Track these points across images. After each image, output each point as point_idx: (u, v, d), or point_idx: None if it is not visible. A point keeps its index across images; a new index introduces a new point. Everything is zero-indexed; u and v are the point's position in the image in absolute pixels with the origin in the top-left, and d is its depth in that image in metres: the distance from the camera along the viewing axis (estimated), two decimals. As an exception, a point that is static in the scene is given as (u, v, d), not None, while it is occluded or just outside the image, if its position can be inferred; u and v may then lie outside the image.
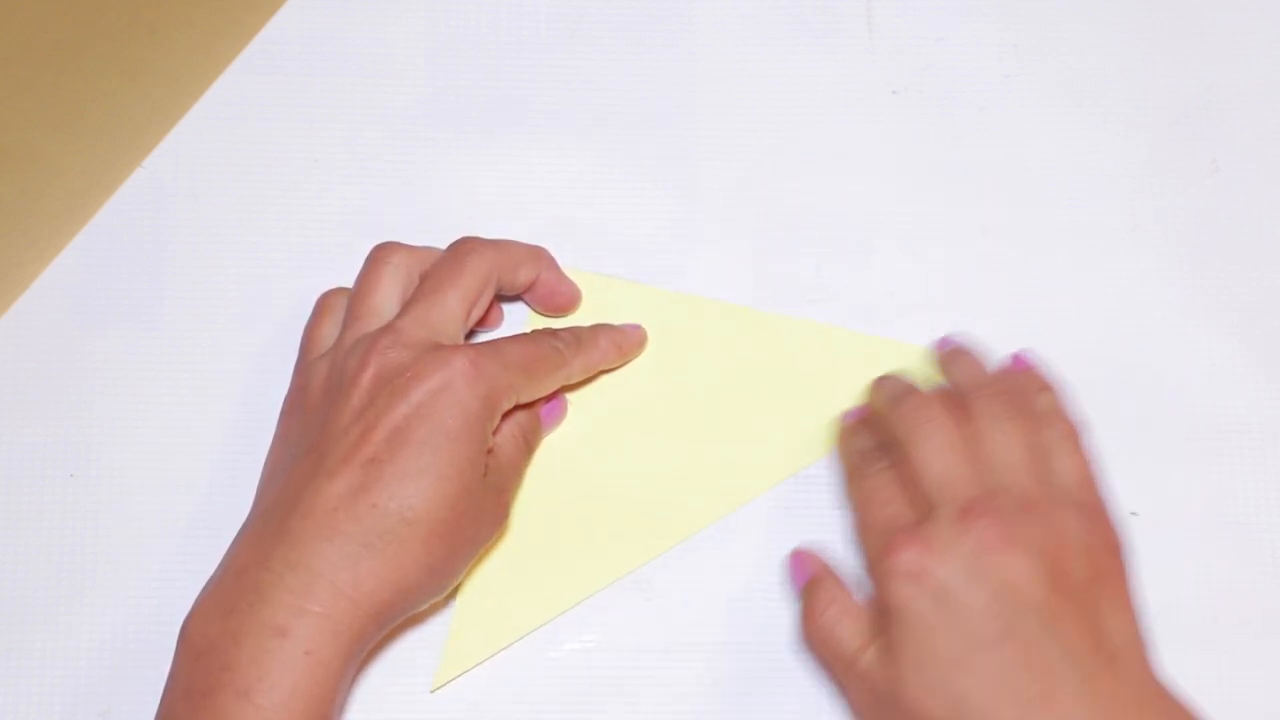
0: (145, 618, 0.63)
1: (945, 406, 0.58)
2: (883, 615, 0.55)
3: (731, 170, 0.68)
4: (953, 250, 0.67)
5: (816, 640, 0.58)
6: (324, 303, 0.63)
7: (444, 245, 0.67)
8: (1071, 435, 0.59)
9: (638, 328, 0.65)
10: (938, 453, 0.56)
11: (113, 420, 0.64)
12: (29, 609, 0.63)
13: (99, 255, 0.66)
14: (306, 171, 0.67)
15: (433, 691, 0.62)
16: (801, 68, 0.69)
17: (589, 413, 0.64)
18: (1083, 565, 0.55)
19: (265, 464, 0.59)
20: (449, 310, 0.58)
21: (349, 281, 0.65)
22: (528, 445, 0.61)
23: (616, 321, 0.65)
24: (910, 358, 0.64)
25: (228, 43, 0.68)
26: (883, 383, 0.61)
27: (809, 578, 0.60)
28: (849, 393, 0.63)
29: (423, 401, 0.55)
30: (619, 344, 0.64)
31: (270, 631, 0.53)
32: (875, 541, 0.56)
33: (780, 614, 0.63)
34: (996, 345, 0.65)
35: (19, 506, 0.64)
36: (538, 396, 0.60)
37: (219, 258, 0.66)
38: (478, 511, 0.57)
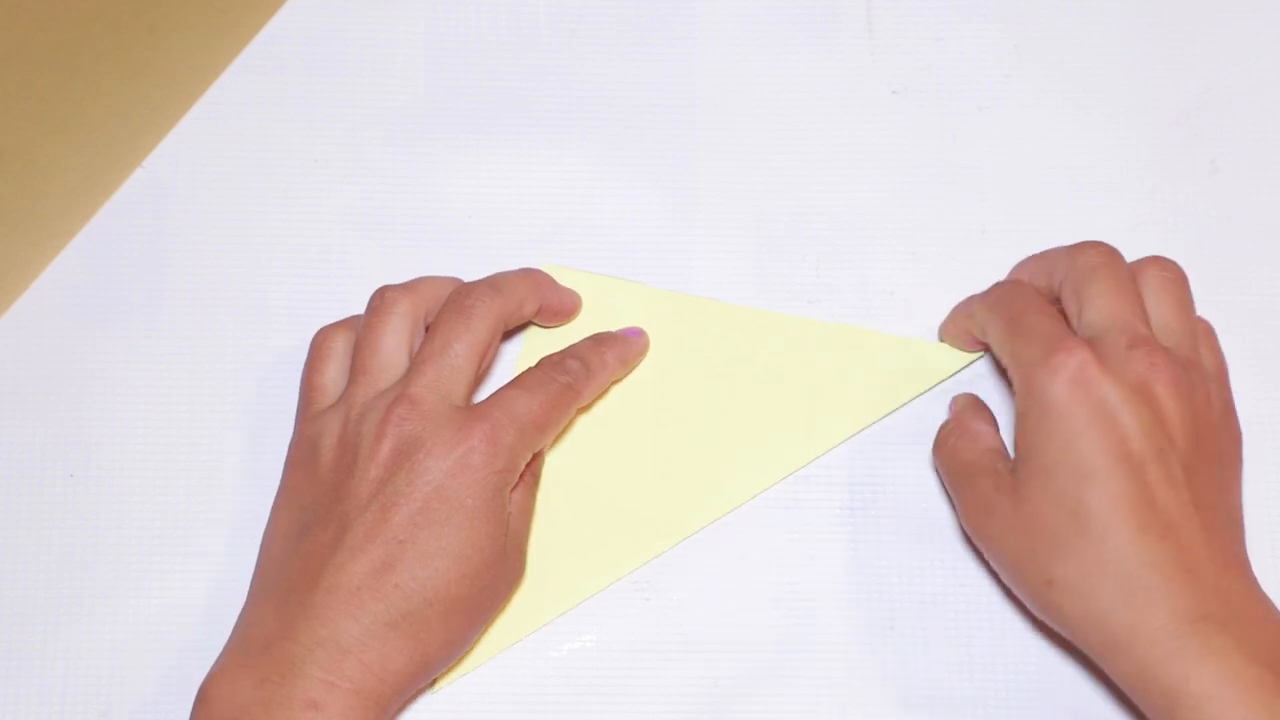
0: (145, 618, 0.63)
1: (1123, 264, 0.59)
2: (1027, 415, 0.56)
3: (731, 170, 0.68)
4: (953, 250, 0.67)
5: (938, 455, 0.62)
6: (323, 346, 0.61)
7: (443, 244, 0.67)
8: (1214, 338, 0.62)
9: (640, 333, 0.64)
10: (1114, 292, 0.58)
11: (113, 420, 0.64)
12: (29, 609, 0.63)
13: (99, 255, 0.66)
14: (306, 171, 0.67)
15: (434, 690, 0.62)
16: (801, 68, 0.69)
17: (589, 414, 0.64)
18: (1222, 439, 0.58)
19: (273, 515, 0.59)
20: (460, 371, 0.58)
21: (350, 281, 0.66)
22: (537, 482, 0.61)
23: (616, 323, 0.64)
24: (911, 354, 0.64)
25: (228, 43, 0.68)
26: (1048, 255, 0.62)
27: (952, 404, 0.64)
28: (847, 388, 0.63)
29: (442, 483, 0.56)
30: (625, 357, 0.64)
31: (302, 704, 0.53)
32: (1036, 343, 0.56)
33: (780, 614, 0.63)
34: (996, 345, 0.65)
35: (19, 506, 0.64)
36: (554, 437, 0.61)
37: (219, 258, 0.66)
38: (497, 579, 0.57)
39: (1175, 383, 0.55)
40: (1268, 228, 0.67)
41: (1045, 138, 0.68)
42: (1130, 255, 0.67)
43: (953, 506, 0.62)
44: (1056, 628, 0.57)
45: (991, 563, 0.59)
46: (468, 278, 0.66)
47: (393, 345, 0.59)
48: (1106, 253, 0.59)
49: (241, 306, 0.66)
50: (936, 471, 0.63)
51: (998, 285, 0.62)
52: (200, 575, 0.63)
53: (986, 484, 0.58)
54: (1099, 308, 0.57)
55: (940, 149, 0.68)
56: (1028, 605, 0.58)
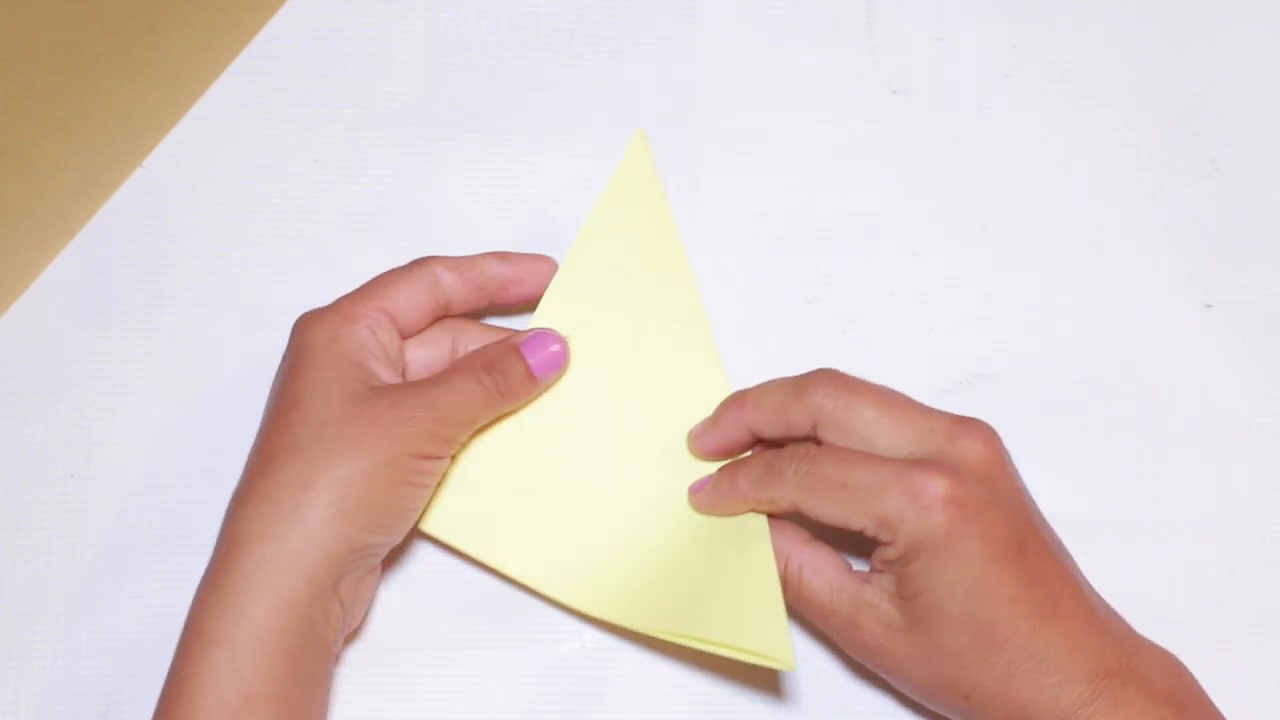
0: (145, 618, 0.63)
1: (852, 379, 0.58)
2: (914, 557, 0.55)
3: (731, 170, 0.68)
4: (953, 250, 0.67)
5: (794, 601, 0.58)
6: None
7: (443, 244, 0.67)
8: None
9: (560, 357, 0.61)
10: (887, 404, 0.57)
11: (113, 420, 0.64)
12: (29, 609, 0.63)
13: (99, 255, 0.66)
14: (306, 171, 0.67)
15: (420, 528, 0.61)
16: (801, 68, 0.69)
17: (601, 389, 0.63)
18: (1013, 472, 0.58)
19: None
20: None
21: (350, 281, 0.66)
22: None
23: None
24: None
25: (228, 43, 0.68)
26: (758, 396, 0.59)
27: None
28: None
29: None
30: (543, 376, 0.61)
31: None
32: (881, 492, 0.55)
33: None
34: (996, 345, 0.65)
35: (19, 506, 0.64)
36: None
37: (219, 258, 0.66)
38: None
39: (998, 443, 0.57)
40: (1268, 228, 0.67)
41: (1045, 138, 0.68)
42: (1130, 255, 0.67)
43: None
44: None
45: (893, 684, 0.59)
46: (468, 278, 0.66)
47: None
48: (832, 376, 0.58)
49: (241, 306, 0.66)
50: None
51: (788, 459, 0.58)
52: (200, 575, 0.63)
53: (871, 625, 0.57)
54: (885, 427, 0.57)
55: (940, 149, 0.68)
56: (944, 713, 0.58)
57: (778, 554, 0.58)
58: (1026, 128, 0.68)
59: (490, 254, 0.62)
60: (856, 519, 0.56)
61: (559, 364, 0.61)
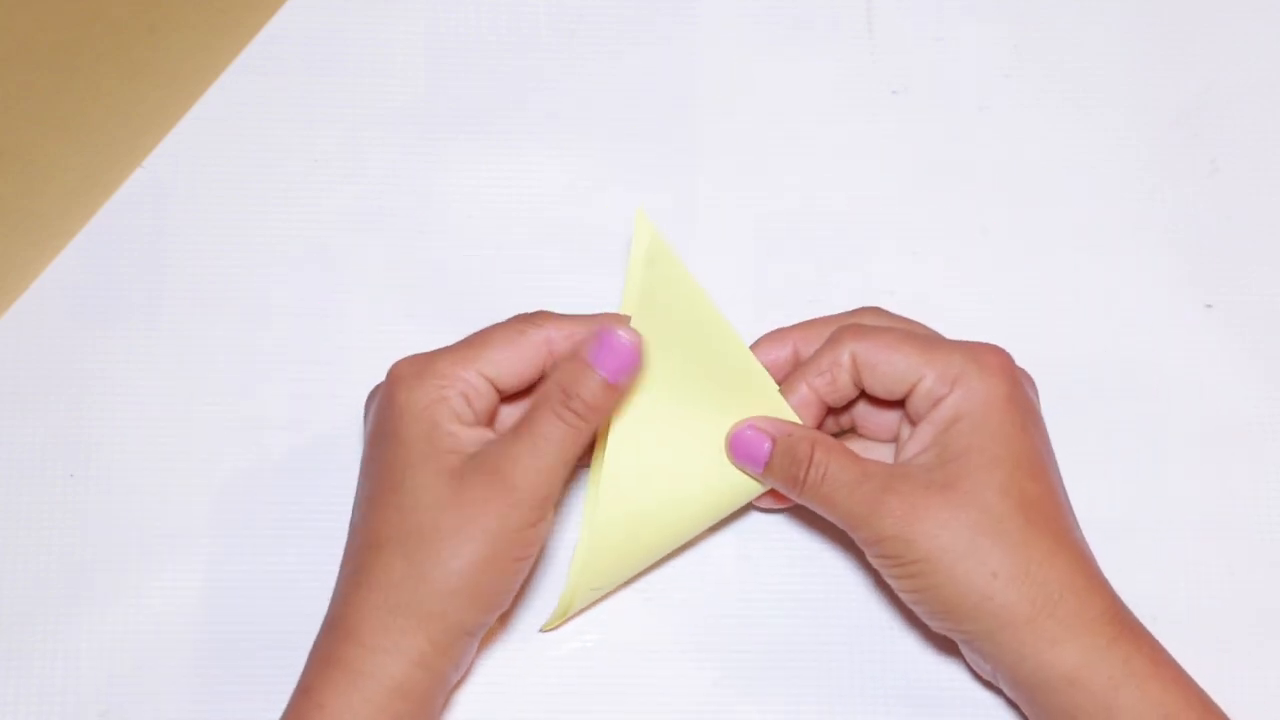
0: (145, 618, 0.63)
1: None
2: (960, 417, 0.55)
3: (731, 170, 0.68)
4: (953, 250, 0.67)
5: (815, 486, 0.56)
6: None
7: (443, 244, 0.67)
8: None
9: (634, 347, 0.56)
10: (925, 330, 0.59)
11: (113, 420, 0.64)
12: (29, 609, 0.63)
13: (99, 255, 0.66)
14: (306, 171, 0.67)
15: (542, 631, 0.62)
16: (801, 68, 0.69)
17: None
18: None
19: None
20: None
21: (350, 281, 0.66)
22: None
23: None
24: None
25: (228, 43, 0.68)
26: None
27: (771, 445, 0.58)
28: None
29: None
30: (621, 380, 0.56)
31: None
32: (956, 350, 0.56)
33: (780, 614, 0.63)
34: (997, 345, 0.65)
35: (19, 506, 0.64)
36: None
37: (219, 258, 0.66)
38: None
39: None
40: (1268, 228, 0.67)
41: (1045, 138, 0.68)
42: (1130, 255, 0.67)
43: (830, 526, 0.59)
44: (984, 636, 0.55)
45: (914, 573, 0.55)
46: (468, 277, 0.66)
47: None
48: (882, 313, 0.60)
49: (241, 306, 0.66)
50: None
51: (844, 329, 0.58)
52: (200, 575, 0.63)
53: (910, 486, 0.55)
54: (930, 333, 0.59)
55: (940, 149, 0.68)
56: (954, 612, 0.55)
57: (802, 439, 0.57)
58: (1026, 128, 0.68)
59: (606, 319, 0.57)
60: (917, 369, 0.56)
61: (633, 360, 0.55)
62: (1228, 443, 0.65)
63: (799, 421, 0.58)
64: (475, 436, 0.56)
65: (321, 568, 0.63)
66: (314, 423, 0.65)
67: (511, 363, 0.57)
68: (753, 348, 0.60)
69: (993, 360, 0.56)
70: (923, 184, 0.68)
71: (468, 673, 0.62)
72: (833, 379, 0.58)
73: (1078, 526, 0.57)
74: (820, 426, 0.60)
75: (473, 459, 0.55)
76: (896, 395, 0.57)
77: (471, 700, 0.62)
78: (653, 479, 0.59)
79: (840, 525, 0.57)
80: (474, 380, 0.56)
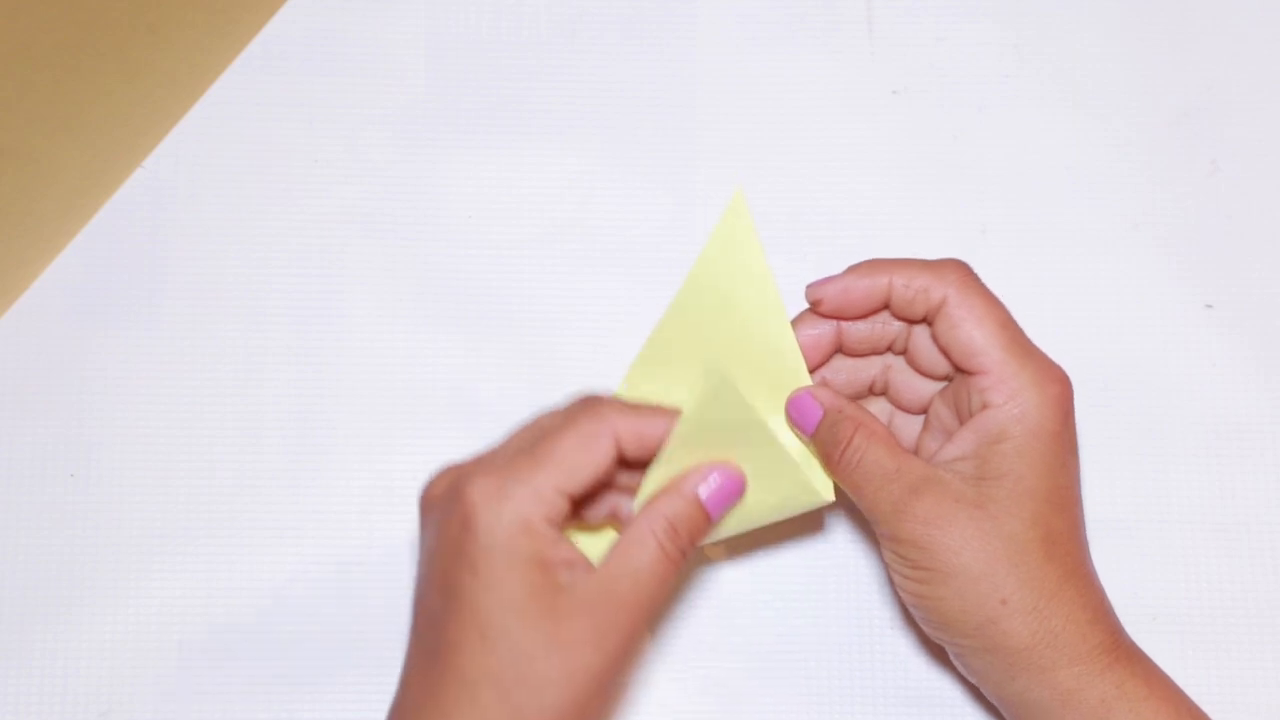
0: (145, 618, 0.63)
1: None
2: (1006, 438, 0.54)
3: (731, 170, 0.68)
4: (953, 250, 0.67)
5: (849, 469, 0.55)
6: None
7: (443, 244, 0.67)
8: None
9: (738, 481, 0.55)
10: (1011, 316, 0.57)
11: (113, 420, 0.64)
12: (29, 609, 0.63)
13: (99, 255, 0.66)
14: (306, 171, 0.67)
15: None
16: (801, 68, 0.69)
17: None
18: None
19: None
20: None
21: (350, 281, 0.66)
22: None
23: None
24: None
25: (228, 43, 0.68)
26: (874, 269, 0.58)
27: (822, 413, 0.56)
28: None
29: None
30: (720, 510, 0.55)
31: None
32: (1032, 362, 0.55)
33: (782, 615, 0.63)
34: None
35: (19, 506, 0.64)
36: None
37: (219, 258, 0.66)
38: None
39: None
40: (1268, 228, 0.67)
41: (1045, 138, 0.68)
42: (1130, 255, 0.67)
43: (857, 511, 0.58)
44: (977, 651, 0.55)
45: (926, 579, 0.54)
46: (467, 277, 0.66)
47: None
48: (967, 272, 0.57)
49: (241, 306, 0.66)
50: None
51: (954, 267, 0.57)
52: (200, 575, 0.63)
53: (937, 496, 0.54)
54: (1005, 332, 0.56)
55: (940, 149, 0.68)
56: (954, 626, 0.55)
57: (849, 419, 0.55)
58: (1026, 128, 0.68)
59: (671, 413, 0.54)
60: (986, 358, 0.55)
61: (735, 496, 0.54)
62: (1228, 443, 0.65)
63: (807, 379, 0.57)
64: (561, 557, 0.51)
65: (321, 568, 0.63)
66: (314, 423, 0.65)
67: (584, 472, 0.52)
68: (848, 271, 0.58)
69: (1053, 389, 0.55)
70: (923, 184, 0.68)
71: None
72: (913, 298, 0.56)
73: (1089, 557, 0.56)
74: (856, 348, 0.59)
75: (568, 594, 0.51)
76: (955, 363, 0.56)
77: (471, 700, 0.62)
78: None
79: (863, 512, 0.56)
80: (551, 498, 0.51)
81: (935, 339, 0.57)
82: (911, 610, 0.57)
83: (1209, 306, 0.67)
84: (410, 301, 0.66)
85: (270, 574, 0.63)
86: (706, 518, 0.53)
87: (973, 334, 0.55)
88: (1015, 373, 0.55)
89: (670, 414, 0.54)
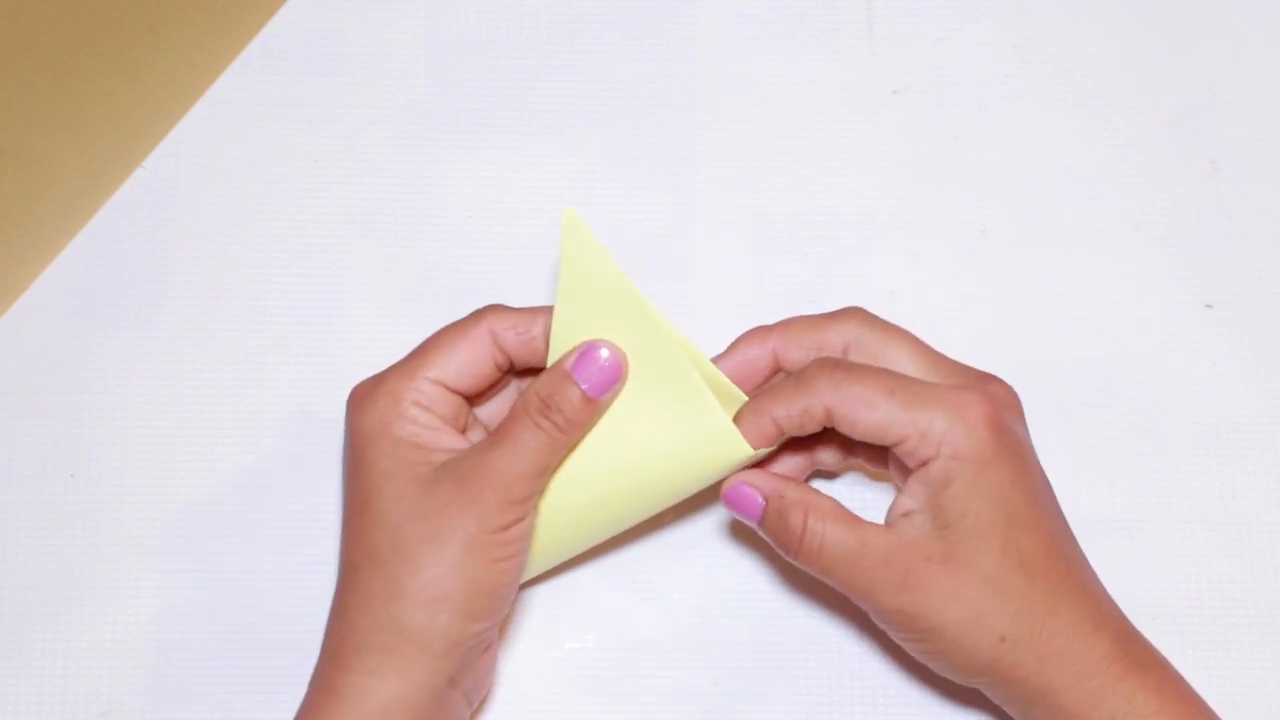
0: (145, 618, 0.63)
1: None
2: (953, 478, 0.53)
3: (731, 170, 0.68)
4: (953, 250, 0.67)
5: (813, 557, 0.55)
6: None
7: (443, 244, 0.67)
8: None
9: (618, 365, 0.56)
10: (916, 345, 0.57)
11: (113, 420, 0.64)
12: (29, 609, 0.63)
13: (99, 255, 0.66)
14: (306, 171, 0.67)
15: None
16: (801, 68, 0.69)
17: None
18: None
19: None
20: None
21: (350, 281, 0.66)
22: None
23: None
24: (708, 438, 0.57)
25: (228, 43, 0.68)
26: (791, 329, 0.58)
27: (764, 503, 0.56)
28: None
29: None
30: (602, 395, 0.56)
31: None
32: (935, 403, 0.54)
33: (780, 614, 0.63)
34: (997, 345, 0.65)
35: (19, 506, 0.64)
36: None
37: (219, 258, 0.66)
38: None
39: (1018, 398, 0.57)
40: (1268, 228, 0.67)
41: (1045, 138, 0.68)
42: (1130, 255, 0.67)
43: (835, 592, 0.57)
44: (995, 685, 0.55)
45: (922, 639, 0.55)
46: (467, 277, 0.66)
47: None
48: (864, 311, 0.58)
49: (241, 306, 0.66)
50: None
51: (820, 368, 0.55)
52: (200, 575, 0.63)
53: (907, 561, 0.54)
54: (918, 360, 0.56)
55: (940, 149, 0.68)
56: (965, 670, 0.55)
57: (794, 505, 0.55)
58: (1026, 128, 0.68)
59: (551, 310, 0.57)
60: (898, 428, 0.54)
61: (616, 376, 0.55)
62: (1228, 443, 0.65)
63: (744, 397, 0.57)
64: (441, 443, 0.55)
65: (321, 568, 0.63)
66: (314, 422, 0.65)
67: (458, 363, 0.56)
68: (731, 347, 0.58)
69: (975, 412, 0.54)
70: (923, 184, 0.68)
71: (490, 690, 0.61)
72: (801, 424, 0.56)
73: (1080, 560, 0.56)
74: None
75: (442, 467, 0.54)
76: (878, 444, 0.55)
77: (471, 700, 0.62)
78: (598, 459, 0.57)
79: (840, 591, 0.56)
80: (425, 388, 0.55)
81: (845, 440, 0.57)
82: (924, 664, 0.57)
83: (1209, 306, 0.67)
84: (410, 301, 0.66)
85: (270, 574, 0.63)
86: (580, 392, 0.55)
87: (870, 420, 0.54)
88: (930, 421, 0.54)
89: (548, 311, 0.56)
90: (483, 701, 0.61)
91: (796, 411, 0.55)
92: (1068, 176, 0.68)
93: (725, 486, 0.57)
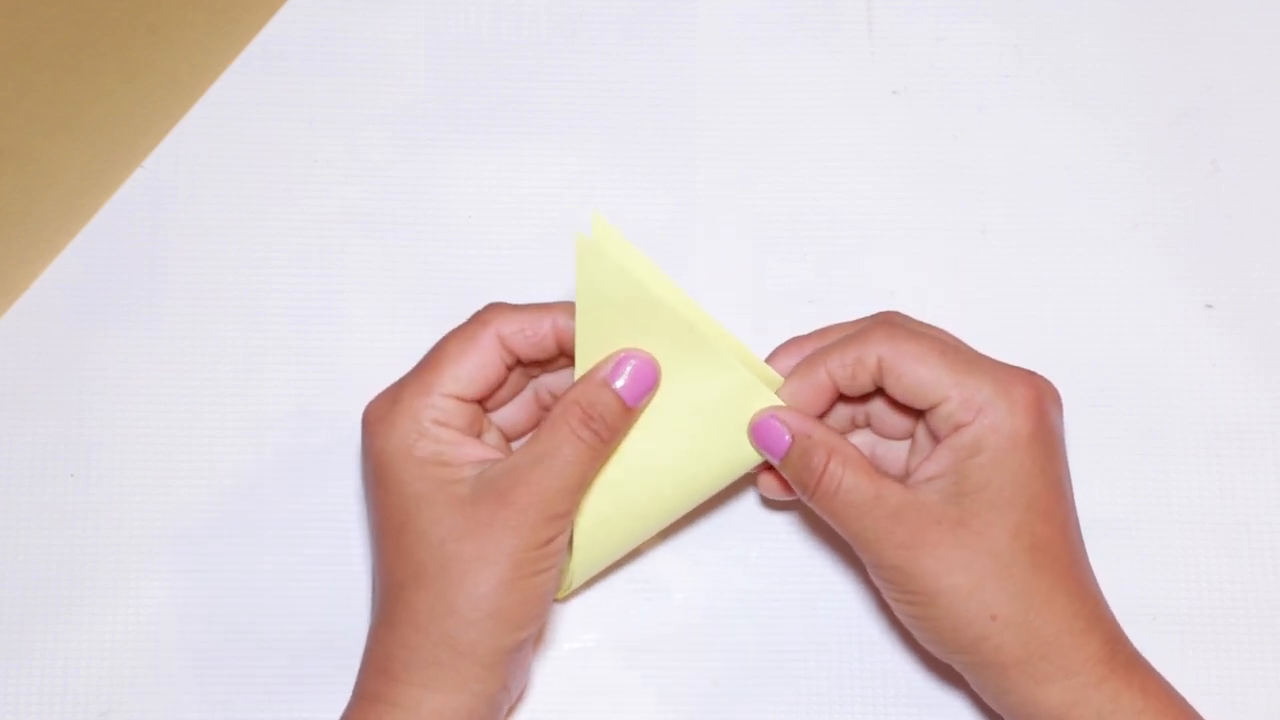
0: (145, 618, 0.63)
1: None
2: (980, 449, 0.54)
3: (731, 170, 0.68)
4: (953, 250, 0.67)
5: (827, 499, 0.55)
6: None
7: (443, 244, 0.67)
8: None
9: (650, 367, 0.56)
10: (958, 343, 0.57)
11: (113, 420, 0.64)
12: (29, 609, 0.63)
13: (99, 255, 0.66)
14: (306, 171, 0.67)
15: (559, 600, 0.62)
16: (801, 68, 0.69)
17: None
18: None
19: None
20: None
21: (350, 281, 0.66)
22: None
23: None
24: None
25: (228, 43, 0.68)
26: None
27: (790, 440, 0.56)
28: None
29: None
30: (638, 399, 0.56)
31: None
32: (988, 376, 0.54)
33: (780, 614, 0.63)
34: (997, 345, 0.65)
35: (19, 506, 0.64)
36: None
37: (219, 258, 0.66)
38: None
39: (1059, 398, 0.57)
40: (1268, 228, 0.67)
41: (1045, 138, 0.68)
42: (1130, 255, 0.67)
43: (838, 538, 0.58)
44: (973, 666, 0.55)
45: (914, 602, 0.55)
46: (467, 277, 0.66)
47: None
48: (892, 327, 0.57)
49: (241, 307, 0.66)
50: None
51: (878, 323, 0.57)
52: (200, 575, 0.63)
53: (918, 519, 0.54)
54: (964, 350, 0.56)
55: (940, 149, 0.68)
56: (948, 644, 0.55)
57: (819, 445, 0.55)
58: (1026, 128, 0.68)
59: (556, 307, 0.57)
60: (943, 388, 0.54)
61: (651, 381, 0.56)
62: (1228, 443, 0.65)
63: (780, 379, 0.57)
64: (466, 456, 0.55)
65: (321, 568, 0.63)
66: (314, 422, 0.65)
67: (469, 373, 0.56)
68: (769, 359, 0.59)
69: (1021, 393, 0.54)
70: (923, 184, 0.68)
71: (526, 687, 0.61)
72: (853, 374, 0.56)
73: (1084, 559, 0.56)
74: (830, 411, 0.59)
75: (479, 482, 0.54)
76: (918, 406, 0.56)
77: (471, 700, 0.62)
78: (635, 464, 0.58)
79: (845, 538, 0.56)
80: (441, 404, 0.55)
81: (890, 398, 0.57)
82: (907, 626, 0.57)
83: (1209, 306, 0.67)
84: (410, 301, 0.66)
85: (270, 574, 0.63)
86: (618, 399, 0.55)
87: (919, 375, 0.55)
88: (975, 388, 0.54)
89: (553, 308, 0.56)
90: (522, 692, 0.61)
91: (850, 360, 0.56)
92: (1068, 176, 0.68)
93: (754, 419, 0.57)
